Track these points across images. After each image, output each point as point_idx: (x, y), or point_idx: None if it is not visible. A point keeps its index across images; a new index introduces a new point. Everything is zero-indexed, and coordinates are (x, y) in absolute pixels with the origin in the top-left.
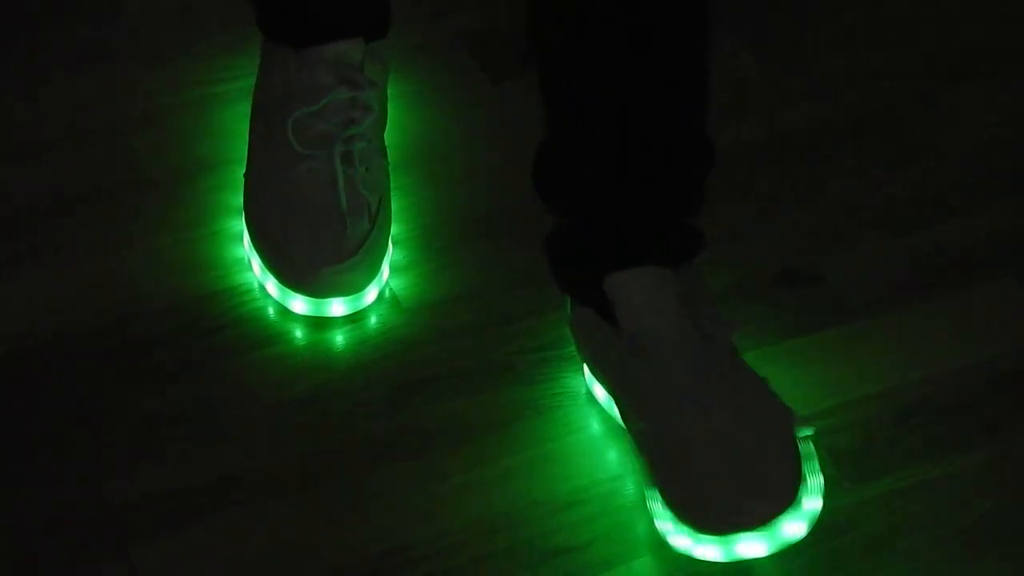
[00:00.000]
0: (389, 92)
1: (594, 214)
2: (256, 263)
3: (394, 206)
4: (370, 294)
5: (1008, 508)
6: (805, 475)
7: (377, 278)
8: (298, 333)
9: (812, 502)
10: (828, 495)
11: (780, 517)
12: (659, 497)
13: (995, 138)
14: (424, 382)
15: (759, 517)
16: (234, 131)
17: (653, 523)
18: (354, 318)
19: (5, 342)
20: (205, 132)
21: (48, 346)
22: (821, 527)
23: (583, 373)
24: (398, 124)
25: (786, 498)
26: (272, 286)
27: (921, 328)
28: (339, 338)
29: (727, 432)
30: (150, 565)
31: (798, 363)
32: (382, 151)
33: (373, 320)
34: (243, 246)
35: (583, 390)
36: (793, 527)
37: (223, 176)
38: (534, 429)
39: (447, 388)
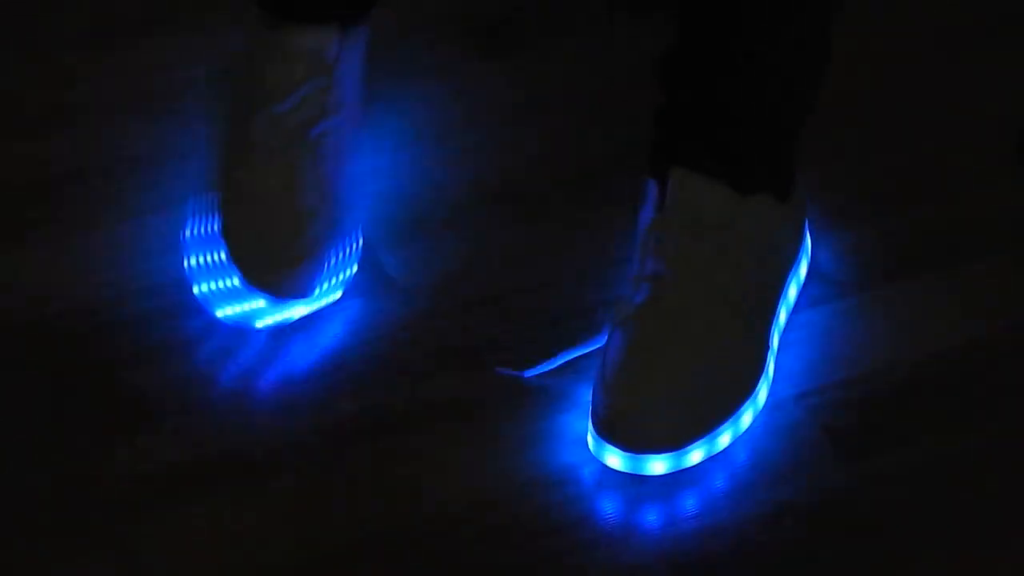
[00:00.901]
0: (383, 71)
1: (696, 108)
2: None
3: (387, 185)
4: (334, 293)
5: (1004, 487)
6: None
7: (341, 277)
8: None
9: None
10: (822, 473)
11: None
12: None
13: (989, 114)
14: (417, 360)
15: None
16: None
17: (646, 501)
18: (348, 297)
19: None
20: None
21: (43, 322)
22: (815, 505)
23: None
24: (392, 103)
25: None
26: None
27: (917, 306)
28: (333, 317)
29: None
30: (147, 541)
31: (794, 341)
32: (354, 144)
33: (368, 299)
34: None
35: (577, 369)
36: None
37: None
38: (526, 407)
39: (440, 366)
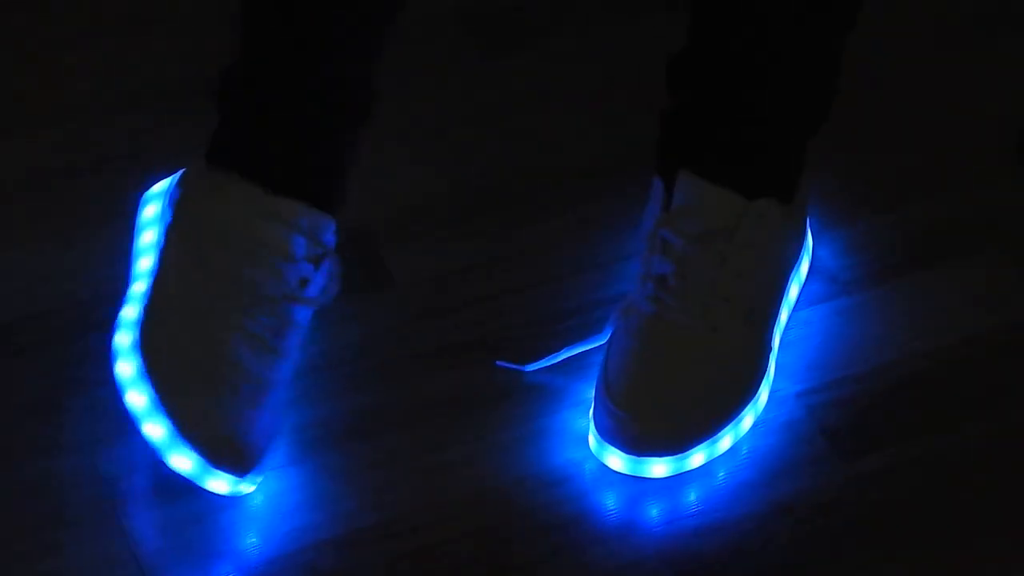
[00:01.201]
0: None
1: (704, 111)
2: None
3: (386, 182)
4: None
5: (1003, 483)
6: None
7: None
8: None
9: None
10: (820, 471)
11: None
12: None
13: (989, 114)
14: (416, 357)
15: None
16: None
17: (645, 499)
18: (346, 292)
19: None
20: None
21: (37, 317)
22: (813, 503)
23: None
24: (392, 101)
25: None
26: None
27: (917, 305)
28: (331, 313)
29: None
30: (144, 531)
31: (794, 339)
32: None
33: (365, 295)
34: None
35: (577, 366)
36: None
37: None
38: (526, 404)
39: (439, 363)
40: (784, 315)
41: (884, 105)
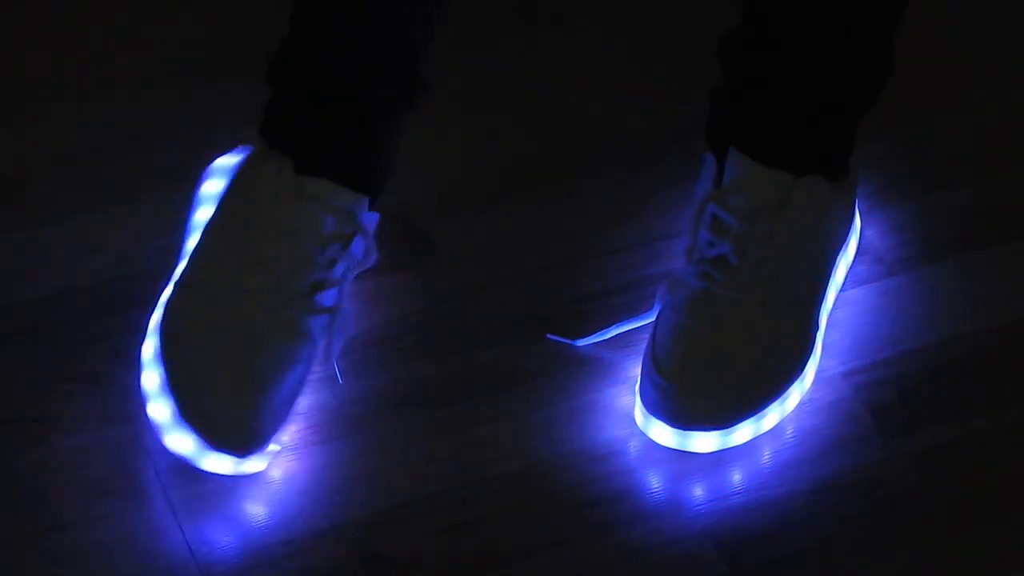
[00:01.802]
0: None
1: (755, 89)
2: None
3: (428, 158)
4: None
5: None
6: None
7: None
8: None
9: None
10: (866, 450)
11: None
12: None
13: None
14: (462, 332)
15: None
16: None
17: (690, 476)
18: (392, 270)
19: (41, 285)
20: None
21: (79, 291)
22: (859, 481)
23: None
24: (437, 75)
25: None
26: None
27: (962, 284)
28: (377, 288)
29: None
30: (190, 506)
31: (841, 319)
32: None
33: (409, 270)
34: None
35: (626, 343)
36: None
37: None
38: (572, 380)
39: (484, 338)
40: (831, 294)
41: (936, 84)
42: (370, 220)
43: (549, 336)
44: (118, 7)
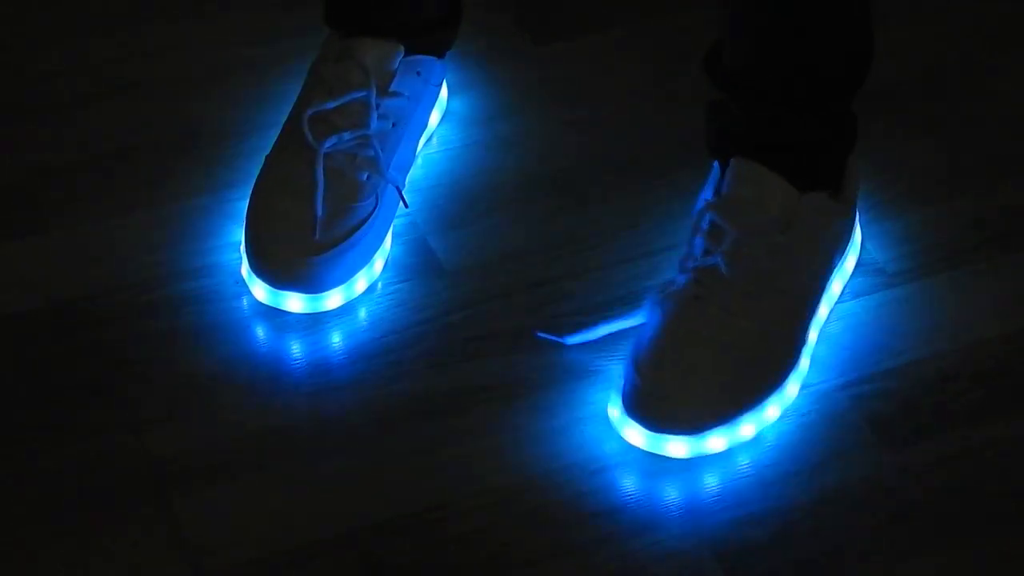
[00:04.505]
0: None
1: (751, 100)
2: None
3: (436, 169)
4: (331, 299)
5: None
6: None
7: (343, 286)
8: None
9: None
10: (867, 462)
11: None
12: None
13: None
14: (464, 343)
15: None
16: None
17: (692, 488)
18: (396, 280)
19: (49, 293)
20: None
21: (87, 301)
22: (858, 493)
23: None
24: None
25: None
26: (244, 267)
27: (962, 295)
28: (378, 300)
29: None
30: (192, 515)
31: (840, 330)
32: (396, 165)
33: (414, 282)
34: None
35: (622, 355)
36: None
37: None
38: (572, 392)
39: (487, 350)
40: (824, 310)
41: (934, 97)
42: (415, 65)
43: (538, 333)
44: (119, 16)
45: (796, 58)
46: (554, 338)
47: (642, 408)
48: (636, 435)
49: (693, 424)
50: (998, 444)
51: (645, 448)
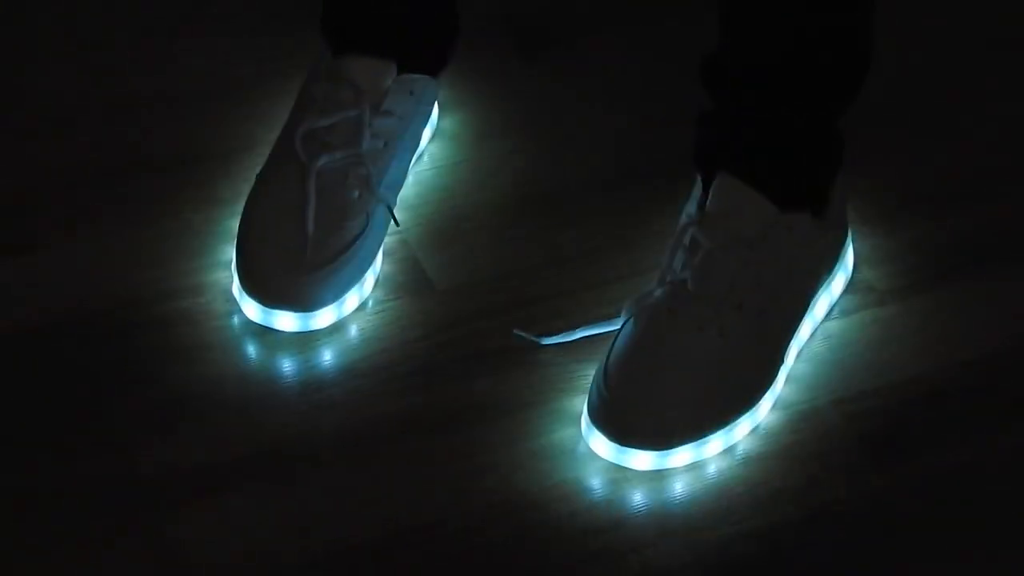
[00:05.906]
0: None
1: (736, 114)
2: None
3: (426, 187)
4: (322, 317)
5: None
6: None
7: (334, 304)
8: None
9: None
10: (858, 479)
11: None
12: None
13: None
14: (453, 362)
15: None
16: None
17: (684, 506)
18: (385, 299)
19: (44, 313)
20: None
21: (80, 319)
22: (850, 510)
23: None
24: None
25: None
26: (235, 286)
27: (954, 312)
28: (369, 318)
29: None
30: (183, 534)
31: (831, 348)
32: (387, 184)
33: (405, 300)
34: None
35: None
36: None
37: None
38: (562, 410)
39: (476, 368)
40: (806, 329)
41: (925, 113)
42: (408, 84)
43: (515, 332)
44: (112, 36)
45: (796, 57)
46: (530, 338)
47: (606, 419)
48: (601, 446)
49: (658, 439)
50: (987, 461)
51: (609, 459)
